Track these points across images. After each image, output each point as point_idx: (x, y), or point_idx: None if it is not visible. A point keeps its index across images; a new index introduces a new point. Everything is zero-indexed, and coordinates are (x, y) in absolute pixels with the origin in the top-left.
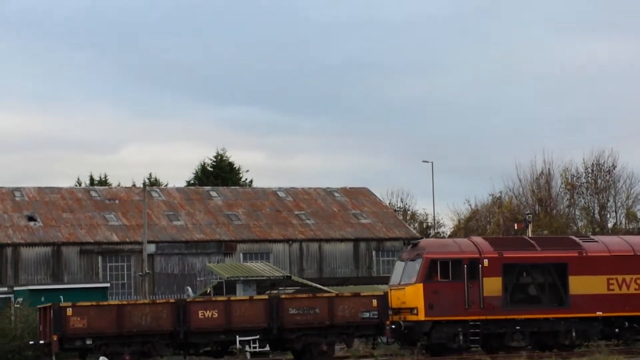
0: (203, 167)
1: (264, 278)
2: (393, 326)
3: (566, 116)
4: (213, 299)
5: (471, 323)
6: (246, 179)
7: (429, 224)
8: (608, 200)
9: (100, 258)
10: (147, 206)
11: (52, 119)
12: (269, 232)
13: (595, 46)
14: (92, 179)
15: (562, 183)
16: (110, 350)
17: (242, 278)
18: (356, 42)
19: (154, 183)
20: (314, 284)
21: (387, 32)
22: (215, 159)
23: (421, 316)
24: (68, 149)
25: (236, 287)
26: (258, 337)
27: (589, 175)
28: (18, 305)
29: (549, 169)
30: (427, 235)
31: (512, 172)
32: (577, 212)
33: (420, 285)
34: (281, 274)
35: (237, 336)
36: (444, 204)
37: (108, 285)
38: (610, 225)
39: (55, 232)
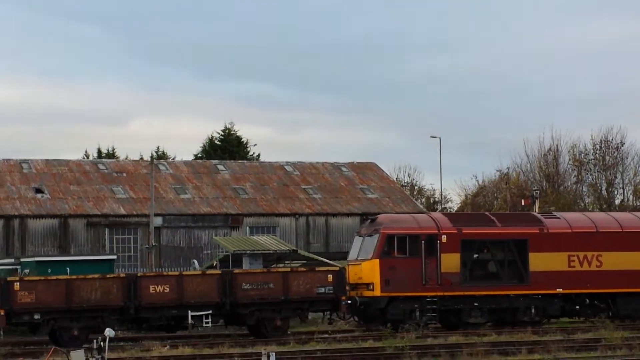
0: (211, 140)
1: (270, 251)
2: (349, 302)
3: (576, 94)
4: (165, 273)
5: (428, 299)
6: (253, 153)
7: (436, 199)
8: (616, 177)
9: (107, 230)
10: (154, 179)
11: (62, 92)
12: (275, 206)
13: (604, 25)
14: (99, 152)
15: (569, 159)
16: (59, 326)
17: (248, 251)
18: (366, 20)
19: (161, 156)
20: (320, 258)
21: (396, 10)
22: (223, 133)
23: (377, 292)
24: (77, 122)
25: (242, 260)
26: (210, 312)
27: (597, 151)
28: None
29: (557, 145)
30: (434, 210)
31: (519, 148)
32: (585, 189)
33: (377, 261)
34: (287, 248)
35: (189, 311)
36: (451, 179)
37: (115, 257)
38: (617, 202)
39: (63, 204)
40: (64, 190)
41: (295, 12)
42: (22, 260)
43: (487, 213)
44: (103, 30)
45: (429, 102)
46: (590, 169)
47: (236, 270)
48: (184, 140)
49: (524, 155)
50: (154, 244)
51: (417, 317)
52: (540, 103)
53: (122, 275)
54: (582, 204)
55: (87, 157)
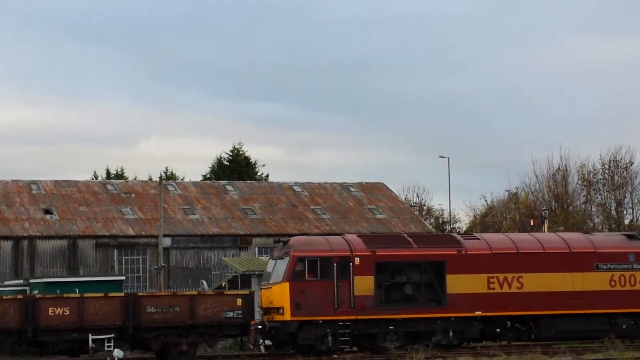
0: (219, 161)
1: None
2: (259, 326)
3: (584, 114)
4: (65, 295)
5: (341, 323)
6: (262, 174)
7: (445, 219)
8: (625, 197)
9: (116, 251)
10: (163, 200)
11: (70, 113)
12: (284, 227)
13: (613, 44)
14: (108, 173)
15: (578, 179)
16: None
17: (257, 272)
18: (373, 39)
19: (170, 177)
20: None
21: (405, 29)
22: (231, 154)
23: (287, 316)
24: (85, 143)
25: (251, 280)
26: (113, 336)
27: (606, 171)
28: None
29: (565, 165)
30: (443, 231)
31: (528, 168)
32: (594, 209)
33: (287, 284)
34: None
35: (90, 335)
36: (460, 199)
37: (123, 278)
38: (626, 221)
39: (72, 225)
40: (72, 211)
41: (304, 32)
42: (31, 281)
43: (405, 234)
44: (113, 50)
45: (438, 121)
46: (599, 188)
47: (140, 293)
48: (193, 161)
49: (533, 175)
50: (162, 264)
51: (329, 342)
52: (549, 122)
53: (20, 297)
54: (592, 224)
55: (96, 178)
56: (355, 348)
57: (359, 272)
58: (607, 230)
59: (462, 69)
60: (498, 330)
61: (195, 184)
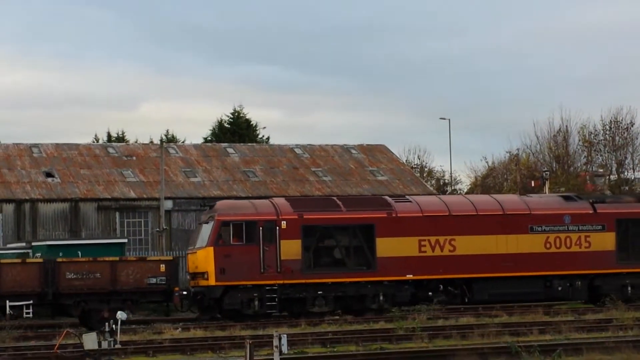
0: (220, 123)
1: None
2: (184, 292)
3: (585, 76)
4: None
5: (267, 288)
6: (263, 136)
7: (446, 181)
8: (626, 158)
9: (117, 214)
10: (164, 162)
11: (72, 77)
12: (285, 189)
13: (613, 6)
14: (109, 136)
15: (579, 140)
16: None
17: None
18: (374, 2)
19: (171, 140)
20: None
21: None
22: (232, 116)
23: (212, 281)
24: (86, 107)
25: None
26: (31, 302)
27: (607, 132)
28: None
29: (566, 126)
30: (444, 192)
31: (529, 130)
32: (595, 169)
33: (211, 249)
34: None
35: (7, 301)
36: (461, 161)
37: (125, 240)
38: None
39: (73, 188)
40: (74, 174)
41: None
42: (33, 244)
43: (334, 197)
44: (114, 14)
45: (438, 83)
46: (600, 149)
47: (59, 259)
48: (194, 124)
49: (534, 137)
50: (164, 227)
51: (256, 306)
52: (550, 84)
53: None
54: (593, 185)
55: (97, 141)
56: (285, 313)
57: (286, 236)
58: (609, 192)
59: (463, 32)
60: (430, 293)
61: (196, 146)
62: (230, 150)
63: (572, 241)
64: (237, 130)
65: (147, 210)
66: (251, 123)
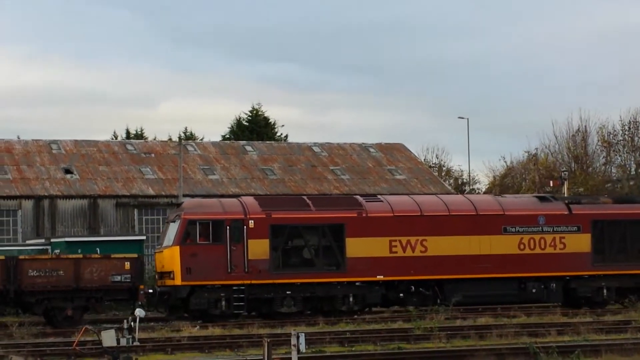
0: (238, 121)
1: None
2: (150, 290)
3: (604, 77)
4: None
5: (235, 288)
6: (281, 134)
7: (464, 180)
8: None
9: (136, 211)
10: (182, 160)
11: (91, 74)
12: (303, 187)
13: (634, 7)
14: (128, 133)
15: (598, 140)
16: None
17: None
18: (397, 3)
19: (189, 137)
20: None
21: None
22: (250, 114)
23: (177, 281)
24: (105, 104)
25: None
26: None
27: (626, 132)
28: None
29: (585, 126)
30: (462, 192)
31: (548, 130)
32: (614, 170)
33: (177, 248)
34: None
35: None
36: (479, 160)
37: (144, 238)
38: None
39: (92, 184)
40: (93, 170)
41: None
42: (52, 240)
43: (304, 196)
44: (132, 13)
45: (457, 83)
46: (619, 149)
47: (22, 256)
48: (212, 122)
49: (552, 137)
50: None
51: (223, 306)
52: (569, 86)
53: None
54: (613, 186)
55: (116, 138)
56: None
57: (254, 235)
58: (628, 192)
59: (482, 33)
60: (401, 295)
61: (214, 144)
62: (248, 148)
63: (547, 242)
64: (255, 128)
65: (165, 207)
66: (269, 121)
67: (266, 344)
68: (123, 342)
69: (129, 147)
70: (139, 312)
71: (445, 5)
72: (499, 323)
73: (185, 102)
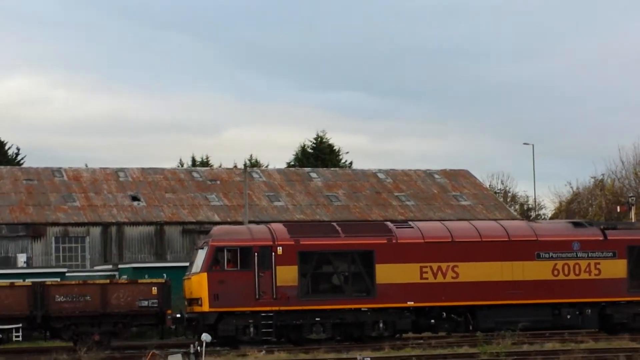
0: (303, 148)
1: None
2: (178, 315)
3: None
4: None
5: (263, 314)
6: (346, 161)
7: (530, 206)
8: None
9: (202, 237)
10: (247, 187)
11: (157, 103)
12: (368, 213)
13: None
14: (194, 160)
15: None
16: None
17: None
18: (458, 27)
19: (254, 164)
20: None
21: (488, 16)
22: (315, 141)
23: (205, 307)
24: (171, 132)
25: None
26: (20, 325)
27: None
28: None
29: None
30: (528, 218)
31: (614, 155)
32: None
33: (205, 275)
34: None
35: None
36: (545, 186)
37: None
38: None
39: (158, 211)
40: (159, 198)
41: (388, 19)
42: (119, 266)
43: (334, 223)
44: (199, 40)
45: (522, 108)
46: None
47: (48, 282)
48: (277, 149)
49: (619, 162)
50: None
51: (251, 333)
52: (636, 110)
53: None
54: None
55: (182, 166)
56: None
57: (282, 262)
58: None
59: (546, 57)
60: (432, 321)
61: (279, 171)
62: (313, 174)
63: (581, 268)
64: (320, 155)
65: None
66: (334, 148)
67: None
68: None
69: (195, 174)
70: (205, 337)
71: (512, 27)
72: (566, 348)
73: (250, 129)
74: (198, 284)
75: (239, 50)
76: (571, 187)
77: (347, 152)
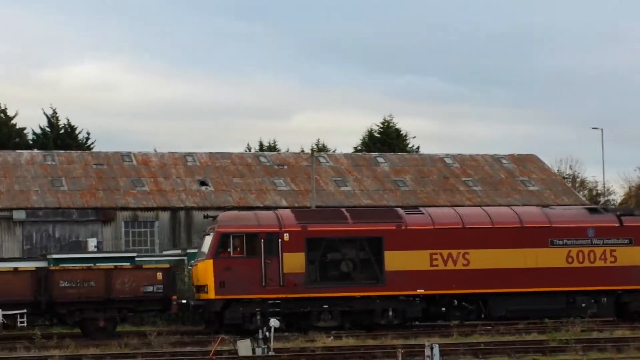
0: (370, 133)
1: None
2: (184, 301)
3: None
4: None
5: (270, 302)
6: (413, 146)
7: (599, 191)
8: None
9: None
10: (315, 172)
11: (226, 88)
12: (435, 199)
13: None
14: (261, 145)
15: None
16: None
17: None
18: (529, 12)
19: (321, 149)
20: None
21: (564, 3)
22: (382, 126)
23: (211, 294)
24: (239, 117)
25: None
26: (25, 311)
27: None
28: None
29: None
30: (597, 203)
31: None
32: None
33: (210, 262)
34: None
35: (0, 310)
36: (614, 171)
37: None
38: None
39: (227, 196)
40: (227, 182)
41: (460, 4)
42: (188, 251)
43: (343, 209)
44: (268, 27)
45: (591, 94)
46: None
47: (52, 267)
48: (344, 134)
49: None
50: None
51: (258, 321)
52: None
53: None
54: None
55: (249, 151)
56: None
57: (289, 249)
58: None
59: (617, 43)
60: (443, 309)
61: (346, 155)
62: (380, 159)
63: (597, 255)
64: (387, 139)
65: None
66: (401, 133)
67: (400, 355)
68: (258, 352)
69: (262, 159)
70: (274, 322)
71: (584, 15)
72: (636, 336)
73: (317, 114)
74: (204, 271)
75: (306, 38)
76: None
77: (414, 137)
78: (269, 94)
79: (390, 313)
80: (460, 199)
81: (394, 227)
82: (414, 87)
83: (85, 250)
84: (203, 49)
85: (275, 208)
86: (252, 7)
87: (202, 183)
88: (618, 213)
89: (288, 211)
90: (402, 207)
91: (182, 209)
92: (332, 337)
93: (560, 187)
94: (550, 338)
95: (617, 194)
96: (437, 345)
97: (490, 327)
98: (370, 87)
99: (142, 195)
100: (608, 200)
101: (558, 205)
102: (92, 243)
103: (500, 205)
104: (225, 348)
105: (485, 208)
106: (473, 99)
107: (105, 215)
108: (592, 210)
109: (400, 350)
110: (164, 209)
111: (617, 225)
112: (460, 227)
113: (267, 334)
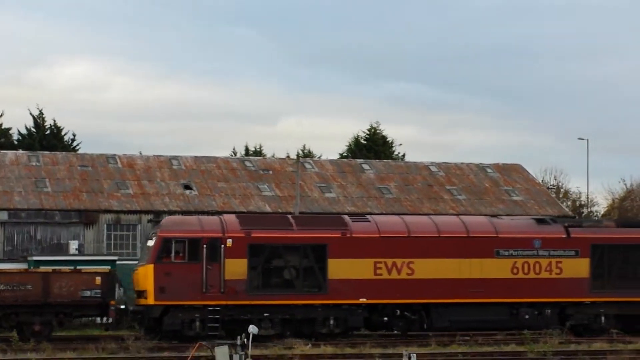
0: (356, 140)
1: None
2: (122, 307)
3: None
4: None
5: (210, 309)
6: (399, 153)
7: (582, 202)
8: None
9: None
10: (299, 177)
11: (213, 92)
12: (419, 207)
13: None
14: (247, 150)
15: None
16: None
17: None
18: (515, 23)
19: (307, 155)
20: None
21: (548, 16)
22: (368, 132)
23: (150, 300)
24: (226, 120)
25: None
26: None
27: None
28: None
29: None
30: (580, 214)
31: None
32: None
33: (151, 267)
34: None
35: None
36: (598, 182)
37: None
38: None
39: (210, 201)
40: (211, 187)
41: (447, 16)
42: None
43: (289, 215)
44: (256, 33)
45: (577, 104)
46: None
47: None
48: (330, 140)
49: None
50: None
51: (197, 328)
52: None
53: None
54: None
55: (235, 155)
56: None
57: (231, 255)
58: None
59: (605, 57)
60: (386, 319)
61: (332, 162)
62: (365, 166)
63: (542, 267)
64: (373, 146)
65: None
66: (387, 140)
67: None
68: (236, 358)
69: (248, 163)
70: (252, 329)
71: (570, 29)
72: (614, 349)
73: (304, 120)
74: (144, 276)
75: (295, 43)
76: (625, 184)
77: (400, 144)
78: (256, 98)
79: (332, 322)
80: (444, 207)
81: (339, 235)
82: (401, 94)
83: (67, 253)
84: (191, 52)
85: (260, 213)
86: (240, 12)
87: (187, 187)
88: (566, 224)
89: (233, 217)
90: (349, 215)
91: (165, 212)
92: (310, 345)
93: (544, 197)
94: (528, 349)
95: (600, 205)
96: (414, 354)
97: (468, 338)
98: (358, 93)
99: (126, 198)
100: (591, 211)
101: (542, 215)
102: (73, 246)
103: (484, 214)
104: (202, 354)
105: (432, 217)
106: (460, 107)
107: (87, 218)
108: (540, 221)
109: (377, 358)
110: (147, 212)
111: (564, 236)
112: (405, 235)
113: (245, 340)
